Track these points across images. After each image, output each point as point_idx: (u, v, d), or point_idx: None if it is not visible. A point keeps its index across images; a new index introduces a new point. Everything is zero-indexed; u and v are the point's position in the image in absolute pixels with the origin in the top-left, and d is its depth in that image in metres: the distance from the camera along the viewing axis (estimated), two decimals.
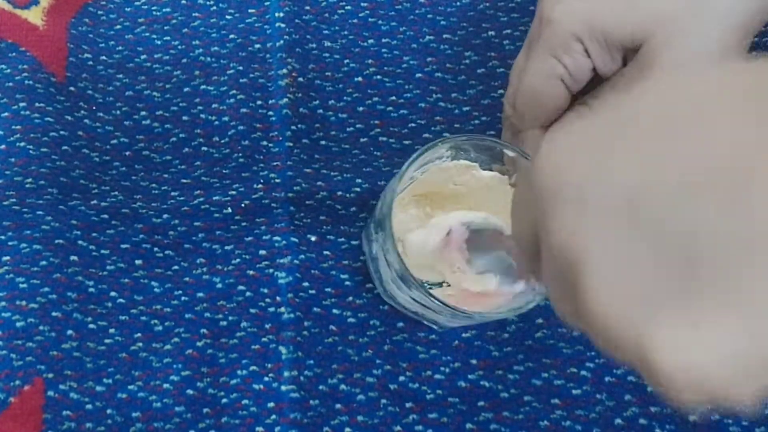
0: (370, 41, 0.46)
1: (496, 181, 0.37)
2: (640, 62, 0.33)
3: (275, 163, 0.42)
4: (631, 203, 0.20)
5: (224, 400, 0.38)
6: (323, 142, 0.43)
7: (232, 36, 0.46)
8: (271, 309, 0.39)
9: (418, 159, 0.34)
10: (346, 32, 0.46)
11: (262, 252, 0.40)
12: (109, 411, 0.37)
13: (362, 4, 0.47)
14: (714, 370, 0.19)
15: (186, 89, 0.45)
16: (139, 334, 0.39)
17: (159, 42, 0.46)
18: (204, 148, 0.43)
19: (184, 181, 0.42)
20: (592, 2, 0.33)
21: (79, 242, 0.40)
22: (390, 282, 0.36)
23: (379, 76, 0.45)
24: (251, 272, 0.40)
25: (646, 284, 0.20)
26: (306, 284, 0.40)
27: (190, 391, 0.38)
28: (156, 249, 0.41)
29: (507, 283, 0.36)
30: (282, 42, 0.45)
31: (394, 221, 0.34)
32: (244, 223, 0.41)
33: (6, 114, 0.43)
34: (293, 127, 0.43)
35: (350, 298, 0.40)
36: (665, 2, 0.33)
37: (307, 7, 0.47)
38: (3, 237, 0.40)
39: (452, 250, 0.37)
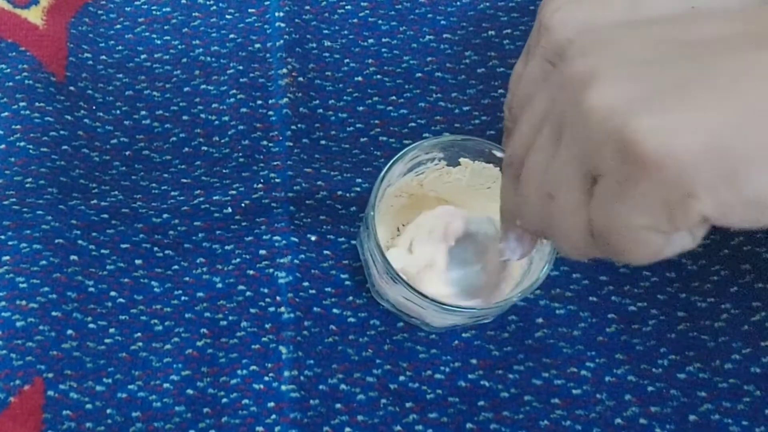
0: (370, 41, 0.46)
1: (469, 169, 0.37)
2: None
3: (275, 163, 0.42)
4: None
5: (224, 400, 0.38)
6: (323, 142, 0.43)
7: (232, 36, 0.46)
8: (271, 309, 0.39)
9: (399, 161, 0.35)
10: (346, 32, 0.46)
11: (262, 252, 0.40)
12: (109, 411, 0.37)
13: (362, 4, 0.47)
14: (691, 155, 0.21)
15: (186, 89, 0.45)
16: (139, 334, 0.39)
17: (159, 42, 0.46)
18: (204, 148, 0.43)
19: (184, 180, 0.42)
20: (589, 9, 0.34)
21: (79, 242, 0.40)
22: (379, 281, 0.37)
23: (379, 76, 0.45)
24: (251, 272, 0.40)
25: (645, 82, 0.23)
26: (306, 284, 0.40)
27: (190, 391, 0.38)
28: (156, 249, 0.41)
29: (462, 297, 0.37)
30: (282, 42, 0.45)
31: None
32: (244, 223, 0.41)
33: (6, 114, 0.43)
34: (293, 127, 0.43)
35: (350, 298, 0.40)
36: (663, 7, 0.33)
37: (307, 7, 0.47)
38: (3, 237, 0.40)
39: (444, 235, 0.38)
